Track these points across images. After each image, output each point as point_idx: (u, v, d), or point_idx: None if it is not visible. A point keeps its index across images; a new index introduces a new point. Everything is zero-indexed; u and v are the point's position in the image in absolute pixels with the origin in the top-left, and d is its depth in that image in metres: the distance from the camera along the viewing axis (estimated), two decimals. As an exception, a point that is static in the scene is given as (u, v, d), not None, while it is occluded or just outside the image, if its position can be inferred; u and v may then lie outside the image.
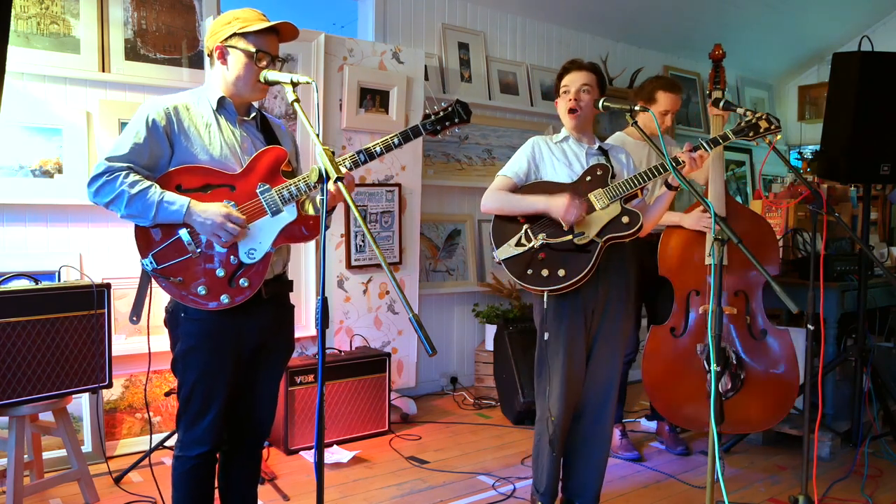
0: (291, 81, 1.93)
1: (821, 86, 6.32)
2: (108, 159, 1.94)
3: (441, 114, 2.16)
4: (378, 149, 2.08)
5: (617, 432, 3.51)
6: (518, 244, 2.52)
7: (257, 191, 2.03)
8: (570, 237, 2.46)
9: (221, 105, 2.08)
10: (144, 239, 2.00)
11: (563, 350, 2.53)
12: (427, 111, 2.16)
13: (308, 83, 1.91)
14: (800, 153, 6.69)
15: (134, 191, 1.91)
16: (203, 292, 1.98)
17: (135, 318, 2.31)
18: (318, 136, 1.79)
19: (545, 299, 2.50)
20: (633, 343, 3.49)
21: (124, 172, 1.93)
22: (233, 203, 2.00)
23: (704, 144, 2.49)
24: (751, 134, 2.51)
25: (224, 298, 1.99)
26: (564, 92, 2.60)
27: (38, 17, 3.24)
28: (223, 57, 2.05)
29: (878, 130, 3.30)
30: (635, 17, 5.37)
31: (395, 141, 2.10)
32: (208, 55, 2.11)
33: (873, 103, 3.28)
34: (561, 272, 2.45)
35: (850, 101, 3.30)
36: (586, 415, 2.63)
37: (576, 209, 2.43)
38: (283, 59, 2.11)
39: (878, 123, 3.30)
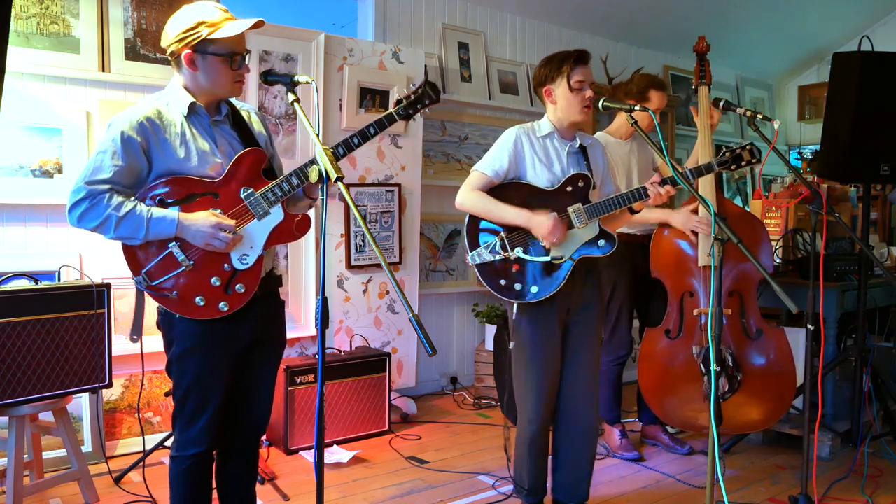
0: (291, 81, 1.93)
1: (821, 86, 6.32)
2: (88, 182, 1.89)
3: (412, 97, 2.14)
4: (356, 139, 2.06)
5: (617, 433, 3.51)
6: (492, 251, 2.48)
7: (241, 195, 2.01)
8: (546, 258, 2.46)
9: (193, 111, 2.02)
10: (135, 257, 1.98)
11: (538, 356, 2.52)
12: (399, 97, 2.16)
13: (308, 83, 1.91)
14: (800, 153, 6.69)
15: (121, 213, 1.89)
16: (202, 303, 1.98)
17: (135, 337, 2.30)
18: (318, 136, 1.79)
19: (514, 308, 2.51)
20: (626, 344, 3.47)
21: (107, 195, 1.89)
22: (219, 211, 1.99)
23: (689, 173, 2.50)
24: (733, 167, 2.54)
25: (223, 306, 1.99)
26: (580, 87, 2.48)
27: (38, 17, 3.23)
28: (193, 63, 1.97)
29: (878, 130, 3.30)
30: (635, 17, 5.37)
31: (371, 130, 2.09)
32: (173, 59, 2.01)
33: (873, 103, 3.28)
34: (533, 288, 2.46)
35: (850, 101, 3.30)
36: (571, 416, 2.62)
37: (559, 233, 2.42)
38: (249, 51, 2.05)
39: (878, 123, 3.29)
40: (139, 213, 1.90)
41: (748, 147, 2.53)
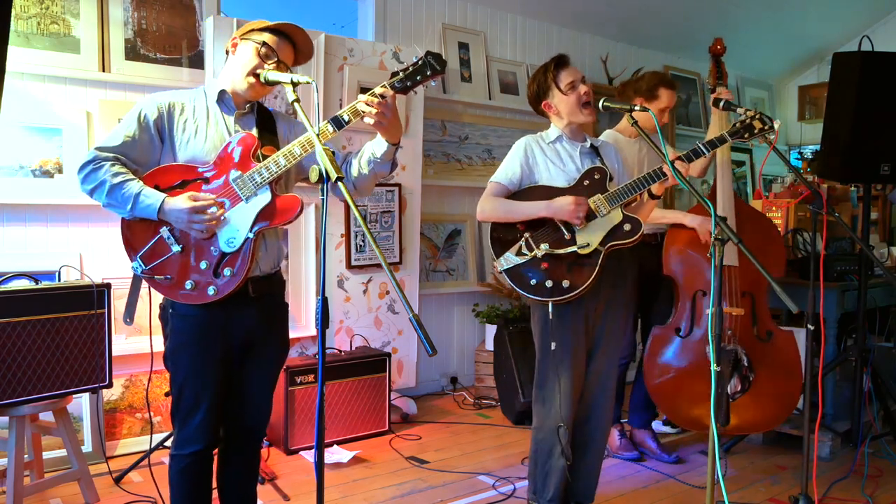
0: (291, 81, 1.94)
1: (821, 86, 6.31)
2: (98, 149, 1.98)
3: (410, 69, 2.00)
4: (346, 116, 2.01)
5: (616, 432, 3.50)
6: (519, 254, 2.46)
7: (229, 179, 2.03)
8: (573, 248, 2.43)
9: (221, 98, 2.11)
10: (131, 243, 2.03)
11: (568, 358, 2.49)
12: (396, 69, 2.03)
13: (308, 83, 1.91)
14: (800, 153, 6.69)
15: (115, 181, 1.94)
16: (190, 287, 2.00)
17: (128, 320, 2.31)
18: (318, 136, 1.79)
19: (550, 308, 2.46)
20: (629, 346, 3.43)
21: (110, 162, 1.97)
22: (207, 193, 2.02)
23: (701, 147, 2.48)
24: (746, 135, 2.49)
25: (210, 290, 2.00)
26: (572, 87, 2.51)
27: (38, 17, 3.24)
28: (235, 47, 2.10)
29: (878, 130, 3.30)
30: (635, 17, 5.37)
31: (361, 107, 2.02)
32: (225, 52, 2.16)
33: (873, 103, 3.28)
34: (565, 283, 2.42)
35: (850, 101, 3.30)
36: (589, 418, 2.61)
37: (583, 207, 2.40)
38: (292, 69, 2.10)
39: (878, 123, 3.29)
40: (129, 187, 1.95)
41: (758, 115, 2.48)
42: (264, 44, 2.05)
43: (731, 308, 3.09)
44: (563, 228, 2.46)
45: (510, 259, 2.47)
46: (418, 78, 2.01)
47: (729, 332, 3.11)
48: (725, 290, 3.14)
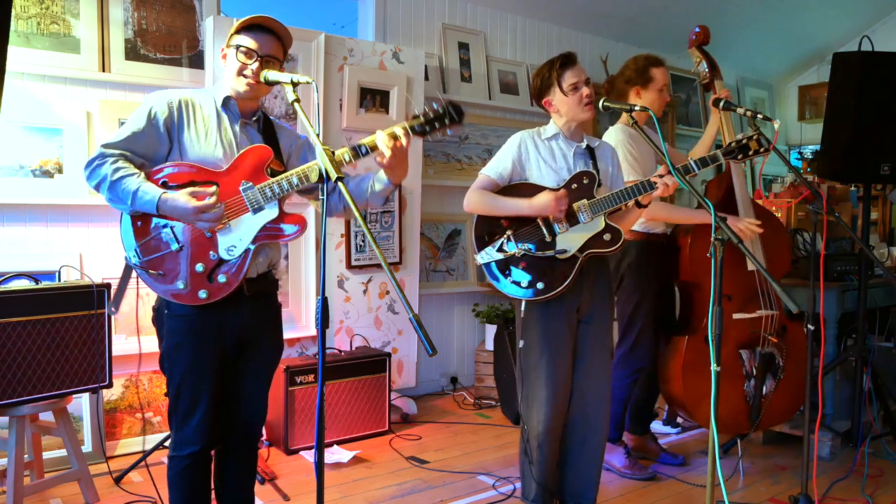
0: (291, 81, 1.94)
1: (821, 86, 6.32)
2: (104, 145, 1.99)
3: (431, 115, 2.07)
4: (365, 148, 2.04)
5: (621, 451, 3.32)
6: (500, 250, 2.48)
7: (240, 188, 2.03)
8: (552, 252, 2.45)
9: (226, 105, 2.12)
10: (130, 233, 2.03)
11: (546, 356, 2.50)
12: (417, 112, 2.09)
13: (308, 83, 1.91)
14: (800, 153, 6.69)
15: (114, 177, 1.95)
16: (181, 286, 2.01)
17: (113, 309, 2.33)
18: (318, 136, 1.80)
19: (523, 307, 2.50)
20: (647, 356, 3.26)
21: (113, 158, 1.97)
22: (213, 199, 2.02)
23: (693, 165, 2.46)
24: (740, 156, 2.47)
25: (202, 293, 2.01)
26: (575, 87, 2.50)
27: (38, 17, 3.24)
28: (225, 58, 2.11)
29: (878, 130, 3.30)
30: (635, 17, 5.37)
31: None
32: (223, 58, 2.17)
33: (873, 103, 3.28)
34: (540, 284, 2.45)
35: (850, 101, 3.30)
36: (582, 421, 2.60)
37: (563, 202, 2.41)
38: (274, 57, 2.08)
39: (878, 123, 3.29)
40: (128, 183, 1.95)
41: (755, 136, 2.48)
42: (238, 47, 2.06)
43: (765, 311, 3.13)
44: (544, 230, 2.47)
45: (490, 254, 2.49)
46: (437, 125, 2.07)
47: (769, 335, 3.15)
48: (759, 292, 3.16)
